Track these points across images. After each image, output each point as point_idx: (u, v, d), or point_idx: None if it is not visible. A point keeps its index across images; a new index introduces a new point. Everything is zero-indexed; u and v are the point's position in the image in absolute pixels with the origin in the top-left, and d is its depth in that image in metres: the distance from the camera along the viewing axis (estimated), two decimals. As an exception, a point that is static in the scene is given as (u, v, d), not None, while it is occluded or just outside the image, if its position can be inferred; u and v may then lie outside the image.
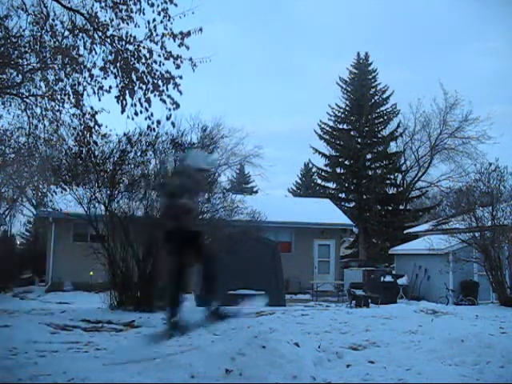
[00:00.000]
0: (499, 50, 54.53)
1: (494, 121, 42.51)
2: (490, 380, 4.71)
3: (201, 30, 7.70)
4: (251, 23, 65.33)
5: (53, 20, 8.06)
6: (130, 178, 11.68)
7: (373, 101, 35.20)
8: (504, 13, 43.93)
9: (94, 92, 8.23)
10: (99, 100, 8.29)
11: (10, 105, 9.17)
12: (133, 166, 11.62)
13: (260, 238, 16.40)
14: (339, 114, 35.41)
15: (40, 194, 11.50)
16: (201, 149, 12.47)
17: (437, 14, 55.62)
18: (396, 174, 35.65)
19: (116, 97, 8.00)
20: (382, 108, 35.36)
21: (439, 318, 9.53)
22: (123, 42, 7.97)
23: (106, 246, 11.17)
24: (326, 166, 35.37)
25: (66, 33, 8.15)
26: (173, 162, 11.68)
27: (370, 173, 34.42)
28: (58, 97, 8.53)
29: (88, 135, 8.88)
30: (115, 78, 8.03)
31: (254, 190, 44.44)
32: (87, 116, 8.61)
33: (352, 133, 35.26)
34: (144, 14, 7.76)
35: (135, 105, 7.97)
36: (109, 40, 8.00)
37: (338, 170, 35.00)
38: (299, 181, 46.44)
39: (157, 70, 7.92)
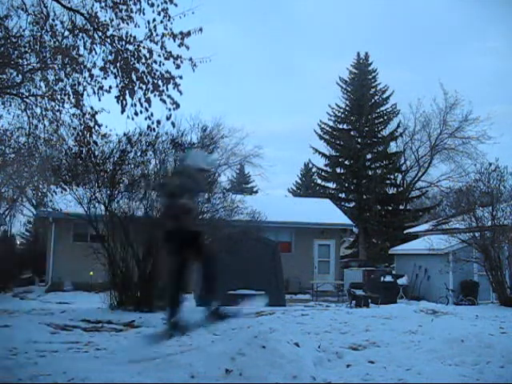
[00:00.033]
0: (499, 50, 54.62)
1: (494, 121, 42.59)
2: (490, 380, 4.71)
3: (201, 30, 7.70)
4: (251, 23, 65.46)
5: (53, 20, 8.06)
6: (130, 177, 11.68)
7: (373, 101, 35.20)
8: (504, 13, 43.98)
9: (94, 92, 8.24)
10: (99, 100, 8.31)
11: (10, 105, 9.18)
12: (133, 166, 11.62)
13: (260, 238, 16.40)
14: (339, 114, 35.42)
15: (40, 194, 11.50)
16: (201, 149, 12.48)
17: (437, 13, 55.74)
18: (396, 174, 35.66)
19: (116, 97, 8.00)
20: (382, 108, 35.37)
21: (439, 317, 9.53)
22: (123, 42, 7.97)
23: (106, 246, 11.17)
24: (325, 165, 35.40)
25: (66, 33, 8.15)
26: (174, 161, 11.70)
27: (370, 173, 34.42)
28: (58, 97, 8.53)
29: (88, 135, 8.88)
30: (115, 78, 8.03)
31: (254, 190, 44.46)
32: (87, 116, 8.61)
33: (352, 133, 35.26)
34: (144, 13, 7.78)
35: (135, 105, 7.98)
36: (109, 40, 8.00)
37: (338, 170, 35.01)
38: (299, 181, 46.45)
39: (157, 70, 7.93)
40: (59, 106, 8.69)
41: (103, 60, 8.06)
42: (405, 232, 26.69)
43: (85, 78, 8.19)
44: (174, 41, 7.76)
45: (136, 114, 8.01)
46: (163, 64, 7.91)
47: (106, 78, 8.09)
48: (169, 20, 7.76)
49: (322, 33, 60.79)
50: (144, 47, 7.90)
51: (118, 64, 7.95)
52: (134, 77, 7.93)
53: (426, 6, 56.53)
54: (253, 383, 4.31)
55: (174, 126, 9.62)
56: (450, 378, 4.74)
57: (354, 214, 31.12)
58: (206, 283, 5.31)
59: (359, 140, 34.96)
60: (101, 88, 8.18)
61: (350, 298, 16.62)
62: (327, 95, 69.05)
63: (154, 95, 7.94)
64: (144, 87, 7.93)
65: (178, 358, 5.05)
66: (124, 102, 7.96)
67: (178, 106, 8.01)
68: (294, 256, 22.90)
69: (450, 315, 10.02)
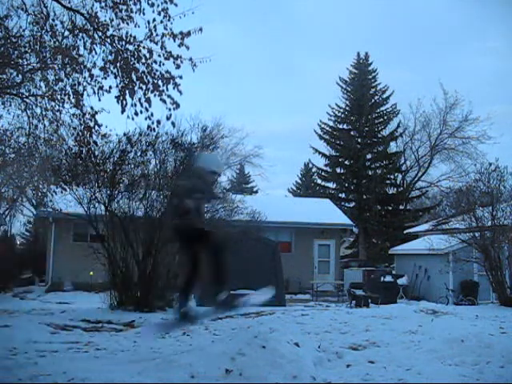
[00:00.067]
0: (499, 50, 54.59)
1: (494, 121, 42.54)
2: (490, 380, 4.71)
3: (201, 29, 7.70)
4: (251, 23, 65.42)
5: (53, 20, 8.06)
6: (130, 177, 11.69)
7: (373, 101, 35.19)
8: (504, 13, 43.91)
9: (94, 92, 8.23)
10: (99, 100, 8.30)
11: (10, 105, 9.18)
12: (133, 166, 11.63)
13: (260, 238, 16.39)
14: (339, 114, 35.41)
15: (40, 194, 11.50)
16: (201, 148, 12.48)
17: (437, 13, 55.68)
18: (396, 174, 35.64)
19: (116, 97, 7.99)
20: (382, 108, 35.36)
21: (439, 318, 9.53)
22: (123, 42, 7.97)
23: (106, 246, 11.17)
24: (325, 165, 35.38)
25: (66, 33, 8.15)
26: (174, 161, 11.70)
27: (370, 173, 34.41)
28: (58, 97, 8.53)
29: (88, 135, 8.88)
30: (115, 78, 8.03)
31: (254, 190, 44.44)
32: (87, 116, 8.60)
33: (352, 133, 35.25)
34: (144, 14, 7.77)
35: (135, 105, 7.98)
36: (109, 40, 8.00)
37: (338, 170, 35.00)
38: (299, 181, 46.43)
39: (157, 70, 7.92)
40: (59, 106, 8.69)
41: (103, 60, 8.07)
42: (405, 232, 26.68)
43: (85, 78, 8.20)
44: (174, 41, 7.76)
45: (136, 114, 8.01)
46: (163, 64, 7.92)
47: (105, 78, 8.10)
48: (169, 20, 7.76)
49: (322, 33, 60.86)
50: (144, 47, 7.91)
51: (117, 64, 7.95)
52: (134, 77, 7.93)
53: (426, 6, 56.58)
54: (253, 383, 4.32)
55: (174, 126, 9.63)
56: (450, 377, 4.74)
57: (354, 214, 31.11)
58: (216, 273, 5.36)
59: (359, 140, 34.95)
60: (101, 88, 8.18)
61: (350, 298, 16.61)
62: (327, 95, 69.10)
63: (154, 95, 7.94)
64: (144, 87, 7.93)
65: (177, 358, 5.06)
66: (124, 102, 7.96)
67: (178, 105, 8.01)
68: (294, 256, 22.89)
69: (449, 315, 10.02)
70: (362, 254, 31.77)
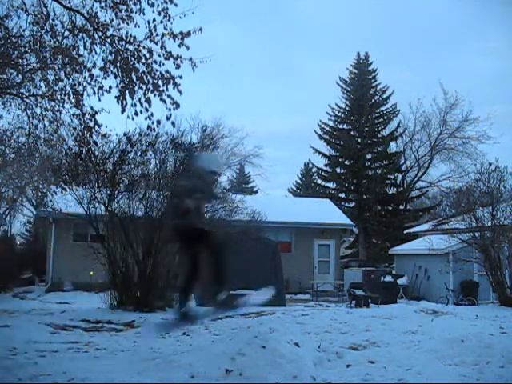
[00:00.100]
0: (499, 49, 54.58)
1: (494, 121, 42.53)
2: (490, 380, 4.71)
3: (201, 29, 7.70)
4: (251, 23, 65.40)
5: (53, 20, 8.06)
6: (130, 177, 11.68)
7: (373, 101, 35.19)
8: (504, 13, 43.90)
9: (94, 92, 8.23)
10: (99, 100, 8.30)
11: (10, 105, 9.18)
12: (133, 166, 11.63)
13: (260, 238, 16.39)
14: (339, 114, 35.41)
15: (40, 194, 11.49)
16: (201, 148, 12.48)
17: (437, 13, 55.66)
18: (396, 174, 35.64)
19: (116, 97, 7.99)
20: (382, 108, 35.35)
21: (439, 318, 9.53)
22: (123, 42, 7.97)
23: (106, 246, 11.17)
24: (325, 165, 35.38)
25: (66, 33, 8.15)
26: (174, 161, 11.70)
27: (370, 173, 34.41)
28: (58, 97, 8.53)
29: (88, 135, 8.88)
30: (115, 77, 8.02)
31: (254, 190, 44.43)
32: (87, 116, 8.60)
33: (352, 133, 35.25)
34: (144, 14, 7.77)
35: (135, 105, 7.98)
36: (109, 40, 8.00)
37: (338, 170, 34.99)
38: (299, 181, 46.43)
39: (157, 70, 7.92)
40: (59, 106, 8.69)
41: (103, 60, 8.07)
42: (405, 232, 26.68)
43: (85, 78, 8.19)
44: (174, 41, 7.76)
45: (136, 113, 8.01)
46: (163, 64, 7.91)
47: (106, 78, 8.09)
48: (169, 20, 7.76)
49: (322, 33, 60.84)
50: (144, 47, 7.90)
51: (118, 64, 7.95)
52: (134, 77, 7.92)
53: (426, 6, 56.56)
54: (253, 383, 4.32)
55: (174, 126, 9.62)
56: (450, 377, 4.74)
57: (354, 214, 31.11)
58: (217, 273, 5.38)
59: (359, 140, 34.95)
60: (101, 88, 8.18)
61: (350, 298, 16.61)
62: (327, 95, 69.06)
63: (154, 95, 7.94)
64: (144, 87, 7.93)
65: (177, 358, 5.06)
66: (124, 102, 7.96)
67: (178, 105, 8.01)
68: (294, 256, 22.89)
69: (449, 315, 10.02)
70: (362, 254, 31.76)
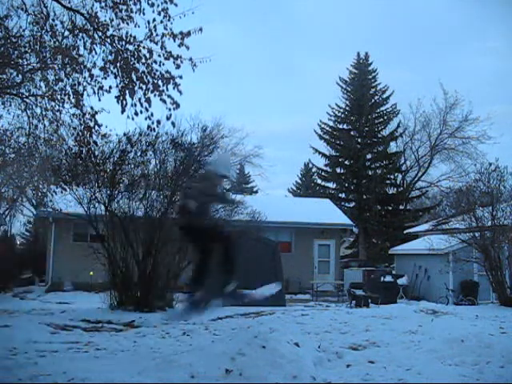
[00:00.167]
0: (499, 50, 54.58)
1: (494, 121, 42.60)
2: (490, 380, 4.71)
3: (201, 29, 7.69)
4: (251, 23, 65.38)
5: (53, 20, 8.05)
6: (130, 177, 11.68)
7: (373, 101, 35.18)
8: (504, 13, 43.93)
9: (94, 92, 8.22)
10: (99, 100, 8.29)
11: (10, 105, 9.17)
12: (133, 166, 11.63)
13: (260, 238, 16.38)
14: (339, 114, 35.40)
15: (40, 194, 11.49)
16: (201, 148, 12.48)
17: (437, 13, 55.66)
18: (396, 174, 35.63)
19: (116, 97, 7.99)
20: (382, 108, 35.35)
21: (439, 317, 9.54)
22: (123, 42, 7.96)
23: (106, 246, 11.17)
24: (325, 165, 35.38)
25: (66, 33, 8.14)
26: (174, 161, 11.71)
27: (370, 173, 34.41)
28: (58, 97, 8.52)
29: (88, 135, 8.87)
30: (115, 78, 8.02)
31: (254, 190, 44.44)
32: (87, 116, 8.60)
33: (352, 133, 35.24)
34: (144, 14, 7.76)
35: (135, 105, 7.97)
36: (109, 40, 7.99)
37: (338, 170, 34.99)
38: (299, 181, 46.43)
39: (157, 70, 7.92)
40: (59, 105, 8.68)
41: (103, 60, 8.06)
42: (405, 232, 26.68)
43: (85, 77, 8.18)
44: (174, 41, 7.75)
45: (136, 113, 8.00)
46: (163, 64, 7.90)
47: (106, 78, 8.08)
48: (169, 20, 7.75)
49: (322, 33, 60.83)
50: (144, 47, 7.90)
51: (118, 64, 7.94)
52: (134, 77, 7.92)
53: (426, 6, 56.55)
54: (253, 383, 4.32)
55: (174, 126, 9.61)
56: (450, 377, 4.75)
57: (354, 214, 31.10)
58: (226, 266, 5.59)
59: (359, 140, 34.94)
60: (101, 88, 8.17)
61: (350, 298, 16.61)
62: (327, 95, 69.05)
63: (154, 95, 7.93)
64: (144, 87, 7.92)
65: (177, 358, 5.06)
66: (124, 102, 7.95)
67: (178, 105, 8.00)
68: (294, 256, 22.88)
69: (449, 315, 10.03)
70: (362, 254, 31.76)
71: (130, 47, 7.97)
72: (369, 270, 21.91)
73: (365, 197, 33.86)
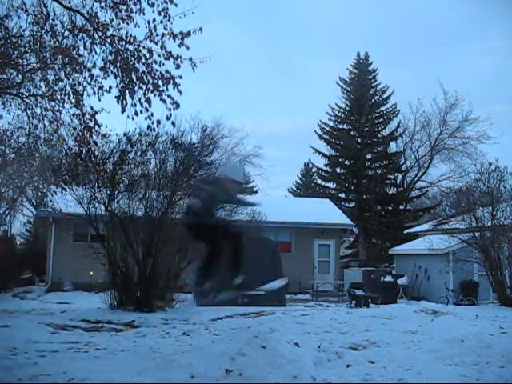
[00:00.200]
0: (499, 50, 54.62)
1: (494, 121, 42.71)
2: (490, 380, 4.71)
3: (201, 29, 7.69)
4: (251, 23, 65.43)
5: (53, 20, 8.05)
6: (130, 177, 11.68)
7: (373, 101, 35.19)
8: (504, 13, 43.97)
9: (94, 92, 8.22)
10: (99, 100, 8.29)
11: (10, 105, 9.17)
12: (133, 166, 11.63)
13: (260, 238, 16.39)
14: (339, 114, 35.41)
15: (40, 194, 11.48)
16: (201, 148, 12.47)
17: (437, 13, 55.72)
18: (396, 174, 35.65)
19: (116, 97, 7.99)
20: (382, 108, 35.36)
21: (439, 318, 9.54)
22: (123, 42, 7.96)
23: (106, 246, 11.17)
24: (325, 165, 35.39)
25: (66, 33, 8.14)
26: (174, 161, 11.71)
27: (370, 173, 34.42)
28: (58, 97, 8.52)
29: (88, 135, 8.87)
30: (115, 78, 8.02)
31: (254, 190, 44.39)
32: (87, 116, 8.60)
33: (352, 133, 35.25)
34: (144, 13, 7.76)
35: (135, 105, 7.97)
36: (109, 40, 7.99)
37: (338, 170, 35.00)
38: (299, 181, 46.44)
39: (157, 70, 7.92)
40: (59, 106, 8.68)
41: (103, 60, 8.06)
42: (405, 232, 26.69)
43: (85, 78, 8.18)
44: (174, 41, 7.75)
45: (136, 113, 8.01)
46: (163, 64, 7.90)
47: (106, 78, 8.08)
48: (169, 20, 7.75)
49: (322, 33, 60.89)
50: (144, 47, 7.90)
51: (118, 64, 7.94)
52: (134, 77, 7.92)
53: (426, 6, 56.62)
54: (253, 383, 4.32)
55: (174, 126, 9.61)
56: (450, 377, 4.75)
57: (354, 214, 31.11)
58: (233, 261, 5.66)
59: (359, 140, 34.95)
60: (101, 88, 8.17)
61: (350, 298, 16.62)
62: (327, 95, 69.10)
63: (154, 95, 7.93)
64: (144, 87, 7.92)
65: (177, 358, 5.06)
66: (124, 102, 7.95)
67: (178, 105, 8.00)
68: (294, 256, 22.88)
69: (449, 315, 10.03)
70: (362, 254, 31.77)
71: (130, 47, 7.97)
72: (369, 270, 21.92)
73: (365, 197, 33.87)
